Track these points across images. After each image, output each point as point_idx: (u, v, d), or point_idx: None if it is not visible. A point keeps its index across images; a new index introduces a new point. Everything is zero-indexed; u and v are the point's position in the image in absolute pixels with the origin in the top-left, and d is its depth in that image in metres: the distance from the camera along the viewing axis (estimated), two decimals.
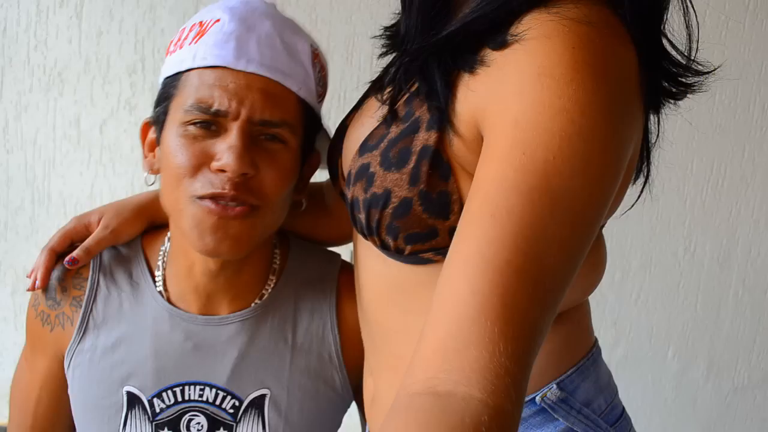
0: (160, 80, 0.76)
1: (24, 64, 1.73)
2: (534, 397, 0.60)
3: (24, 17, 1.72)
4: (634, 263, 1.78)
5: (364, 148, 0.60)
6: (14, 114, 1.76)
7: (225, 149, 0.67)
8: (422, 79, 0.56)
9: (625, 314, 1.79)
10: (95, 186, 1.78)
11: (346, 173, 0.63)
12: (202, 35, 0.70)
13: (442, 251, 0.56)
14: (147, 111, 1.73)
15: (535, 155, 0.46)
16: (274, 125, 0.69)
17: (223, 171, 0.67)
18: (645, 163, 0.63)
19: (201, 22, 0.72)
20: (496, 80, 0.51)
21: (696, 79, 0.57)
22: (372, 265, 0.65)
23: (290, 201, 0.76)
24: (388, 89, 0.61)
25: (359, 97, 0.73)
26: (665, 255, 1.79)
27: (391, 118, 0.59)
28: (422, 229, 0.56)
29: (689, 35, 0.57)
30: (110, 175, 1.75)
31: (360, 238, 0.67)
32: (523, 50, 0.50)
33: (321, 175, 0.86)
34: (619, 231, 1.73)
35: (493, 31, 0.53)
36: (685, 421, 1.86)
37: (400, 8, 0.67)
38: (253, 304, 0.78)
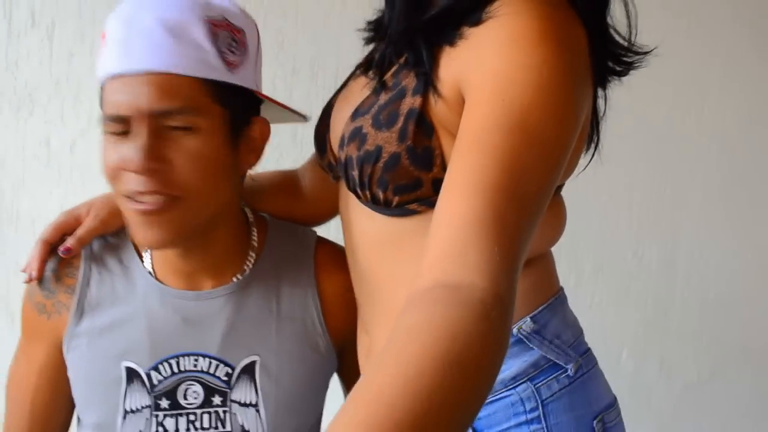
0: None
1: None
2: (511, 329, 0.67)
3: None
4: (587, 268, 1.89)
5: (357, 113, 0.68)
6: None
7: (129, 150, 0.71)
8: (410, 51, 0.65)
9: (581, 318, 1.88)
10: (65, 205, 1.75)
11: (338, 139, 0.70)
12: (103, 47, 0.75)
13: (425, 201, 0.64)
14: None
15: (513, 102, 0.55)
16: (173, 114, 0.71)
17: (135, 171, 0.71)
18: (595, 132, 0.72)
19: (103, 33, 0.76)
20: (474, 49, 0.60)
21: (636, 58, 0.67)
22: (361, 224, 0.72)
23: (233, 177, 0.79)
24: (377, 66, 0.69)
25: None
26: (615, 260, 1.90)
27: (380, 88, 0.67)
28: (409, 181, 0.63)
29: (629, 22, 0.67)
30: (80, 193, 1.76)
31: (348, 204, 0.74)
32: (497, 23, 0.59)
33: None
34: (571, 238, 1.84)
35: (470, 12, 0.62)
36: (641, 420, 1.95)
37: (380, 7, 0.76)
38: (234, 279, 0.84)
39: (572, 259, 1.88)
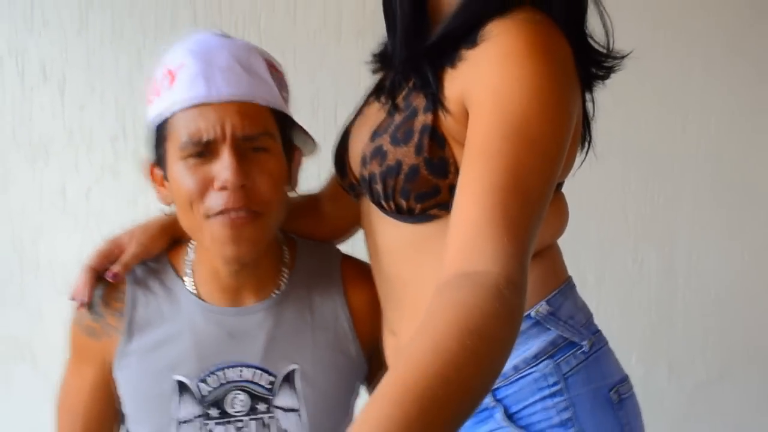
0: (148, 126, 0.91)
1: (10, 140, 1.86)
2: (529, 313, 0.76)
3: (9, 96, 1.85)
4: (590, 279, 1.97)
5: (375, 134, 0.77)
6: (1, 187, 1.86)
7: (221, 169, 0.80)
8: (417, 76, 0.74)
9: None
10: (83, 251, 1.86)
11: (359, 159, 0.80)
12: (173, 81, 0.83)
13: (444, 206, 0.73)
14: (130, 176, 1.88)
15: (511, 111, 0.64)
16: (255, 138, 0.82)
17: (224, 188, 0.81)
18: (587, 132, 0.81)
19: (170, 71, 0.84)
20: (473, 67, 0.70)
21: (614, 63, 0.78)
22: (386, 234, 0.80)
23: (287, 197, 0.90)
24: (388, 92, 0.79)
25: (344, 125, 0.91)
26: (616, 269, 1.99)
27: (393, 110, 0.76)
28: (428, 189, 0.72)
29: (606, 32, 0.77)
30: (97, 238, 1.84)
31: (371, 217, 0.83)
32: (490, 43, 0.69)
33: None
34: (573, 251, 1.92)
35: (466, 36, 0.72)
36: (655, 421, 2.01)
37: (382, 40, 0.87)
38: (273, 294, 0.92)
39: (575, 271, 1.95)
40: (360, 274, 0.95)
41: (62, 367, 1.87)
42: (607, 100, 1.99)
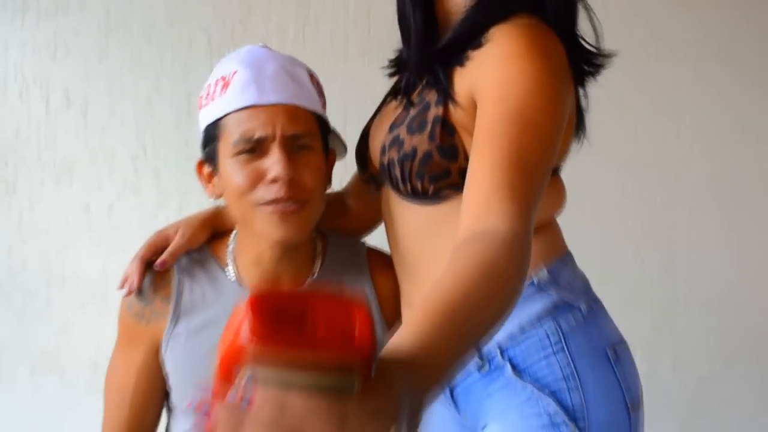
0: (201, 128, 1.02)
1: (36, 161, 1.98)
2: (532, 279, 0.87)
3: (34, 119, 1.98)
4: (593, 279, 2.08)
5: (393, 126, 0.89)
6: (28, 206, 1.99)
7: (273, 164, 0.93)
8: (430, 74, 0.87)
9: None
10: (106, 265, 1.99)
11: (379, 150, 0.92)
12: (227, 86, 0.96)
13: (455, 186, 0.84)
14: (151, 192, 2.00)
15: (513, 101, 0.77)
16: (301, 137, 0.94)
17: (276, 181, 0.93)
18: (582, 123, 0.93)
19: (223, 77, 0.97)
20: (479, 66, 0.82)
21: (603, 60, 0.90)
22: (403, 216, 0.92)
23: (325, 191, 1.02)
24: (404, 92, 0.92)
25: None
26: (618, 270, 2.09)
27: (409, 105, 0.89)
28: (440, 171, 0.84)
29: (595, 33, 0.90)
30: (120, 254, 1.95)
31: (390, 204, 0.95)
32: (493, 44, 0.82)
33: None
34: (576, 253, 2.04)
35: (472, 39, 0.84)
36: (662, 417, 2.10)
37: (397, 48, 1.00)
38: (308, 281, 1.04)
39: None
40: (384, 263, 1.06)
41: (88, 378, 1.98)
42: (604, 109, 2.13)
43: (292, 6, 2.00)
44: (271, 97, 0.94)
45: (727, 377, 2.12)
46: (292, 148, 0.94)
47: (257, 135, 0.93)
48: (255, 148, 0.94)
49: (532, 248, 0.70)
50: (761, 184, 2.12)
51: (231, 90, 0.95)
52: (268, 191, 0.94)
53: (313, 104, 0.98)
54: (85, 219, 1.99)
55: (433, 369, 0.52)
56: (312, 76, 1.01)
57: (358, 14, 1.98)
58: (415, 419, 0.49)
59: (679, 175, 2.11)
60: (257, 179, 0.94)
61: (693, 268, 2.11)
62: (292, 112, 0.94)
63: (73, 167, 1.99)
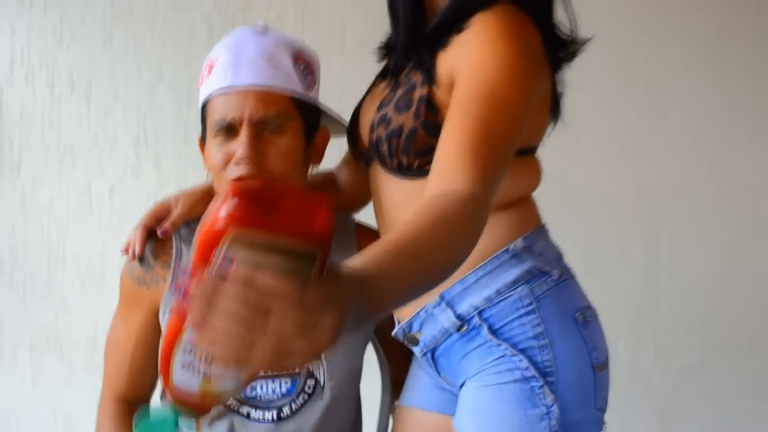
0: (199, 106, 1.08)
1: (40, 142, 2.06)
2: (507, 248, 0.94)
3: (39, 102, 2.06)
4: (578, 269, 2.15)
5: (382, 105, 0.96)
6: (31, 186, 2.06)
7: (239, 146, 0.99)
8: (416, 57, 0.94)
9: None
10: (106, 246, 2.07)
11: (368, 128, 0.99)
12: (211, 69, 1.02)
13: None
14: (150, 176, 2.07)
15: (485, 79, 0.84)
16: (270, 120, 0.98)
17: (239, 162, 0.98)
18: (557, 107, 1.01)
19: (210, 60, 1.03)
20: (459, 48, 0.89)
21: (579, 47, 0.97)
22: (390, 190, 0.99)
23: (304, 171, 1.07)
24: (392, 73, 0.99)
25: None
26: (603, 261, 2.16)
27: (396, 85, 0.96)
28: (424, 147, 0.91)
29: (571, 22, 0.97)
30: (119, 234, 2.03)
31: (378, 180, 1.02)
32: (473, 30, 0.89)
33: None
34: (562, 242, 2.12)
35: (454, 25, 0.92)
36: (643, 405, 2.18)
37: (386, 32, 1.07)
38: None
39: None
40: (371, 237, 1.13)
41: (85, 356, 2.05)
42: (592, 104, 2.21)
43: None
44: (245, 80, 0.99)
45: (708, 368, 2.19)
46: (262, 131, 0.99)
47: (229, 118, 0.99)
48: (229, 130, 1.00)
49: (494, 217, 0.78)
50: (745, 179, 2.19)
51: (213, 73, 1.02)
52: (234, 171, 1.00)
53: (290, 86, 1.01)
54: (87, 200, 2.07)
55: (380, 288, 0.59)
56: (298, 57, 1.04)
57: (355, 6, 2.06)
58: (358, 326, 0.55)
59: (664, 169, 2.18)
60: (228, 159, 1.01)
61: (676, 261, 2.18)
62: (263, 95, 0.99)
63: (76, 149, 2.07)
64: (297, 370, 1.06)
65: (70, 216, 2.07)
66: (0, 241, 2.06)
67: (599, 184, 2.15)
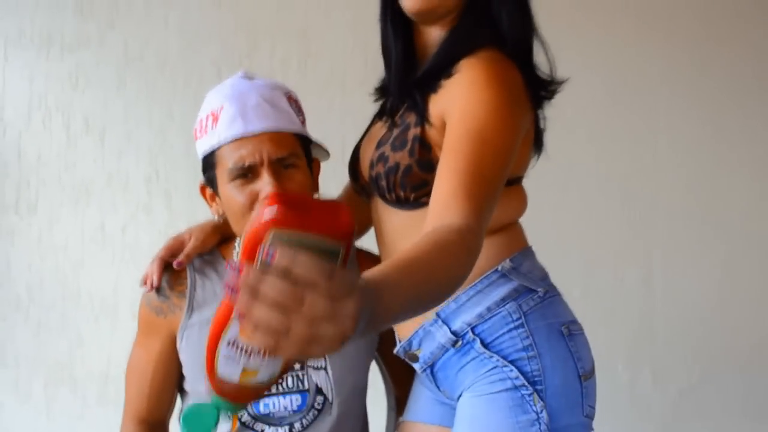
0: (199, 157, 1.17)
1: (56, 183, 2.18)
2: (496, 268, 1.03)
3: (55, 144, 2.18)
4: (575, 293, 2.24)
5: (379, 144, 1.07)
6: (47, 225, 2.17)
7: (264, 185, 1.09)
8: (409, 99, 1.05)
9: None
10: (119, 281, 2.17)
11: (367, 164, 1.09)
12: (216, 120, 1.10)
13: (431, 194, 1.02)
14: (162, 213, 2.18)
15: (474, 123, 0.94)
16: (286, 158, 1.08)
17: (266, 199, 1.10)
18: (539, 140, 1.12)
19: (212, 112, 1.11)
20: (449, 93, 1.00)
21: (557, 86, 1.08)
22: (390, 220, 1.09)
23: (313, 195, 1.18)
24: (388, 114, 1.10)
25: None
26: (599, 285, 2.26)
27: (392, 126, 1.07)
28: (419, 182, 1.02)
29: (549, 65, 1.08)
30: (132, 270, 2.14)
31: (378, 210, 1.12)
32: (460, 75, 1.00)
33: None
34: (559, 268, 2.21)
35: (443, 71, 1.03)
36: (642, 425, 2.25)
37: (380, 76, 1.19)
38: None
39: (561, 287, 2.24)
40: (372, 262, 1.23)
41: (99, 389, 2.14)
42: (584, 132, 2.32)
43: (295, 40, 2.22)
44: (256, 127, 1.09)
45: (705, 388, 2.27)
46: (279, 169, 1.09)
47: (248, 162, 1.08)
48: (247, 173, 1.10)
49: (484, 240, 0.88)
50: (737, 202, 2.29)
51: (220, 124, 1.11)
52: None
53: (293, 125, 1.12)
54: (100, 238, 2.18)
55: (387, 296, 0.67)
56: (290, 98, 1.15)
57: (355, 49, 2.19)
58: (366, 331, 0.64)
59: (656, 194, 2.29)
60: (253, 200, 1.10)
61: (671, 284, 2.27)
62: (276, 137, 1.09)
63: (90, 189, 2.18)
64: (306, 387, 1.15)
65: (84, 253, 2.17)
66: (17, 279, 2.17)
67: (595, 211, 2.26)
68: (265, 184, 1.08)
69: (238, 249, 1.23)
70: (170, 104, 2.19)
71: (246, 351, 0.65)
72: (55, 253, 2.17)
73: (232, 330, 0.64)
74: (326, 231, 0.58)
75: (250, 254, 0.59)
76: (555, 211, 2.18)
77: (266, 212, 0.58)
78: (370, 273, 0.69)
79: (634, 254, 2.27)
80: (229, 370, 0.66)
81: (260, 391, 0.69)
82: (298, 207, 0.59)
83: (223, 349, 0.66)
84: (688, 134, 2.28)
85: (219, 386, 0.68)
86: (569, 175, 2.22)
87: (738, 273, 2.29)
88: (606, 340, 2.23)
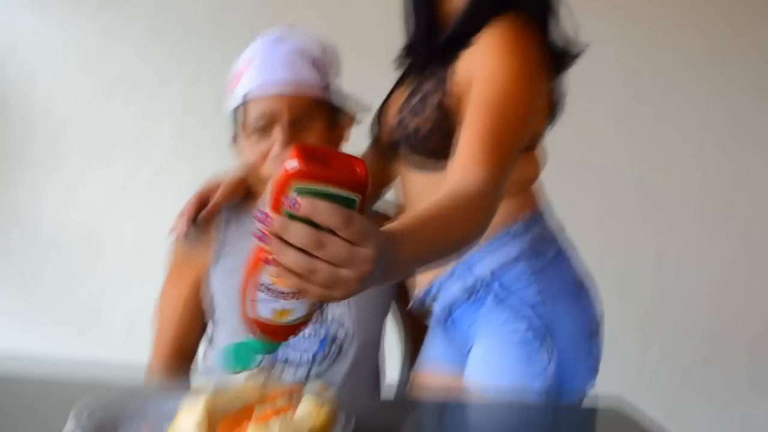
0: (229, 110, 1.25)
1: (85, 139, 2.25)
2: (513, 226, 1.08)
3: (85, 101, 2.25)
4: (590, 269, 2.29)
5: (401, 109, 1.12)
6: (76, 180, 2.25)
7: (275, 142, 1.18)
8: (432, 66, 1.10)
9: None
10: (143, 235, 2.24)
11: (389, 128, 1.14)
12: (240, 77, 1.20)
13: (449, 157, 1.06)
14: (187, 173, 2.24)
15: (494, 86, 0.99)
16: (300, 118, 1.16)
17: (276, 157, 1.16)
18: (558, 106, 1.15)
19: (240, 69, 1.20)
20: (471, 60, 1.04)
21: (578, 52, 1.12)
22: (410, 182, 1.14)
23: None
24: (412, 78, 1.14)
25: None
26: (612, 261, 2.30)
27: (414, 91, 1.11)
28: (439, 146, 1.06)
29: (572, 30, 1.12)
30: (157, 226, 2.21)
31: (402, 174, 1.17)
32: (482, 43, 1.04)
33: None
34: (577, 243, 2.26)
35: (466, 38, 1.07)
36: (650, 400, 2.29)
37: (403, 45, 1.23)
38: None
39: None
40: (385, 219, 1.29)
41: (122, 338, 2.22)
42: (602, 119, 2.34)
43: (324, 6, 2.25)
44: (273, 89, 1.17)
45: (712, 367, 2.32)
46: (293, 128, 1.17)
47: (263, 120, 1.17)
48: (262, 131, 1.18)
49: (503, 200, 0.93)
50: (749, 190, 2.32)
51: (243, 83, 1.20)
52: (272, 166, 1.18)
53: (310, 88, 1.19)
54: (126, 193, 2.25)
55: (405, 248, 0.72)
56: (316, 60, 1.21)
57: (381, 19, 2.22)
58: (383, 278, 0.69)
59: (671, 179, 2.32)
60: (263, 157, 1.19)
61: (683, 266, 2.31)
62: (289, 100, 1.17)
63: (118, 146, 2.25)
64: (324, 334, 1.22)
65: (110, 207, 2.25)
66: (46, 230, 2.25)
67: (612, 194, 2.30)
68: (276, 142, 1.17)
69: (263, 199, 1.29)
70: (198, 65, 2.25)
71: (276, 293, 0.70)
72: (82, 207, 2.25)
73: (263, 274, 0.69)
74: (344, 182, 0.63)
75: (276, 203, 0.64)
76: (572, 194, 2.21)
77: (289, 163, 0.63)
78: (390, 225, 0.74)
79: (649, 235, 2.31)
80: (262, 311, 0.72)
81: (292, 330, 0.75)
82: (318, 159, 0.64)
83: (255, 292, 0.71)
84: (703, 123, 2.31)
85: (254, 327, 0.73)
86: (586, 160, 2.25)
87: (746, 258, 2.33)
88: (616, 317, 2.27)
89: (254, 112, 1.18)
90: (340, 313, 1.24)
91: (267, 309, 0.73)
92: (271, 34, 1.24)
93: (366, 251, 0.63)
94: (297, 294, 0.69)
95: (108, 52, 2.26)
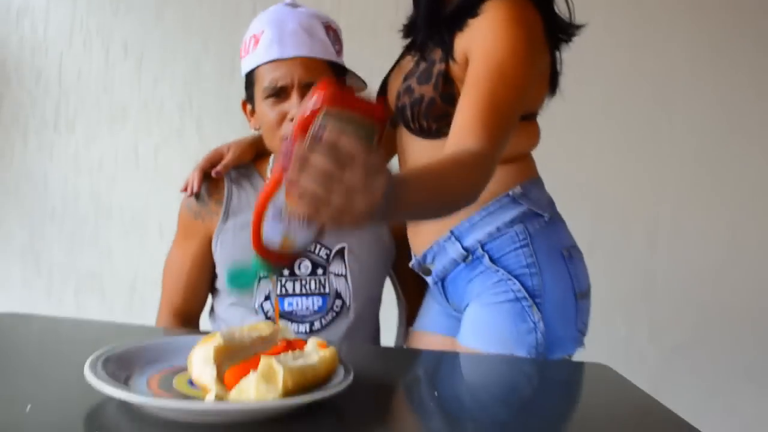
0: (243, 74, 1.30)
1: (93, 104, 2.30)
2: (508, 193, 1.15)
3: (95, 67, 2.29)
4: (583, 249, 2.35)
5: (407, 77, 1.17)
6: (84, 143, 2.30)
7: (291, 106, 1.22)
8: (437, 37, 1.15)
9: None
10: (149, 199, 2.30)
11: (394, 95, 1.20)
12: (257, 43, 1.24)
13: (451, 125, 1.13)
14: (193, 138, 2.29)
15: (493, 60, 1.04)
16: (315, 83, 1.16)
17: (293, 119, 1.19)
18: (555, 81, 1.21)
19: (254, 35, 1.24)
20: (474, 31, 1.10)
21: (575, 30, 1.17)
22: (413, 148, 1.20)
23: None
24: (416, 49, 1.20)
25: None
26: (605, 243, 2.36)
27: (419, 60, 1.17)
28: (441, 113, 1.12)
29: (568, 8, 1.17)
30: (162, 190, 2.28)
31: (403, 139, 1.23)
32: (486, 15, 1.09)
33: None
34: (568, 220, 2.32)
35: (471, 10, 1.12)
36: (636, 379, 2.37)
37: (410, 15, 1.28)
38: None
39: None
40: None
41: (126, 299, 2.29)
42: (602, 99, 2.39)
43: None
44: (290, 52, 1.21)
45: (699, 347, 2.39)
46: (307, 92, 1.19)
47: (280, 83, 1.21)
48: (279, 93, 1.22)
49: (498, 168, 0.99)
50: (745, 170, 2.38)
51: (260, 46, 1.24)
52: (289, 128, 1.22)
53: (326, 54, 1.24)
54: (134, 158, 2.30)
55: (406, 191, 0.78)
56: (328, 27, 1.26)
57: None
58: (383, 218, 0.74)
59: (667, 158, 2.37)
60: (282, 118, 1.23)
61: (674, 245, 2.38)
62: (307, 63, 1.21)
63: (126, 112, 2.30)
64: (326, 291, 1.28)
65: (117, 172, 2.31)
66: (53, 192, 2.31)
67: (606, 177, 2.35)
68: (292, 105, 1.21)
69: (271, 164, 1.35)
70: (206, 36, 2.29)
71: (288, 217, 0.75)
72: (90, 170, 2.31)
73: (280, 197, 0.74)
74: (368, 113, 0.69)
75: (303, 129, 0.69)
76: (569, 174, 2.27)
77: (317, 94, 0.69)
78: (395, 175, 0.80)
79: (641, 214, 2.37)
80: (273, 234, 0.77)
81: (296, 256, 0.80)
82: (346, 92, 0.70)
83: (269, 214, 0.76)
84: (704, 99, 2.36)
85: (262, 248, 0.78)
86: (584, 141, 2.31)
87: (737, 241, 2.39)
88: (607, 294, 2.35)
89: (270, 76, 1.22)
90: (342, 271, 1.30)
91: (276, 232, 0.78)
92: (284, 3, 1.29)
93: (379, 181, 0.68)
94: (308, 219, 0.71)
95: (118, 19, 2.30)
